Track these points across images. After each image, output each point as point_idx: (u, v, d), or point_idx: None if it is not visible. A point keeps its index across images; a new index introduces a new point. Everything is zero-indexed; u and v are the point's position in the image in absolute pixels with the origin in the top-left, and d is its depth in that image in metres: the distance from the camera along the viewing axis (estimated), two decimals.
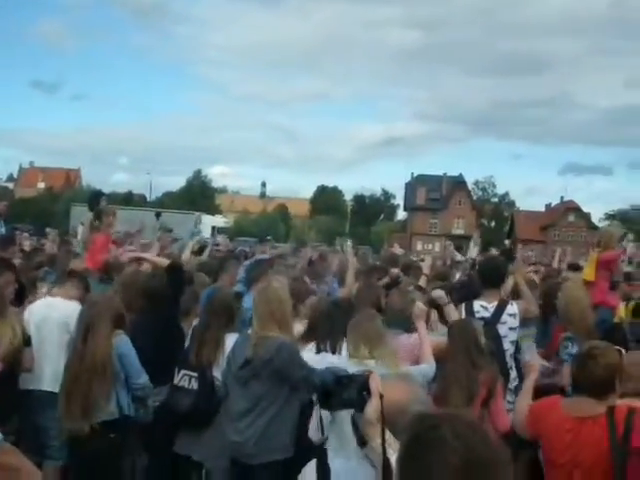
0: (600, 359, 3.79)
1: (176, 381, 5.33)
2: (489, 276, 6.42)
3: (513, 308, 6.11)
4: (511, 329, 6.05)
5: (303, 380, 4.62)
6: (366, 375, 2.34)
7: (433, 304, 6.25)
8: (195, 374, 5.26)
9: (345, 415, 2.54)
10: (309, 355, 5.08)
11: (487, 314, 6.06)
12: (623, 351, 4.46)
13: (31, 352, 5.53)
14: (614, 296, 7.97)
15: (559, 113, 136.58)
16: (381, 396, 2.29)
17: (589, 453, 3.64)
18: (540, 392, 4.47)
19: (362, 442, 2.32)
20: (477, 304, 6.16)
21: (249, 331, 4.99)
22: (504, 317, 6.06)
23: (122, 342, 5.22)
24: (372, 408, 2.27)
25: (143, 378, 5.25)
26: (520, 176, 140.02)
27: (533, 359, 4.97)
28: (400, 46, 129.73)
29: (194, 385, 5.25)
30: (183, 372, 5.32)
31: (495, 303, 6.13)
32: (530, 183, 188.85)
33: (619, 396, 3.83)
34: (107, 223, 8.66)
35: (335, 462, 2.43)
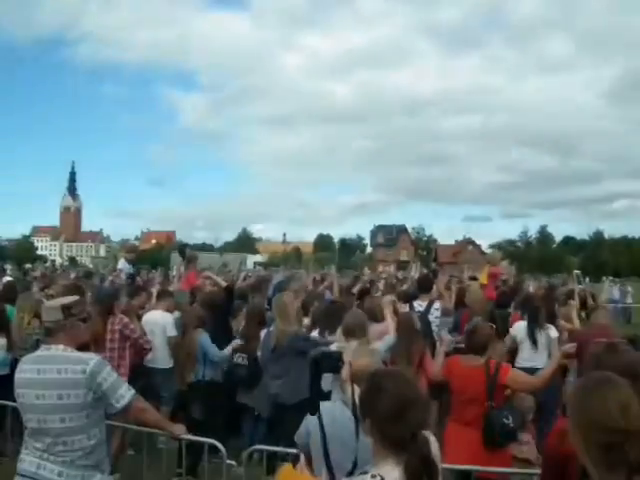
0: (480, 331, 3.86)
1: (234, 360, 5.33)
2: (423, 285, 6.45)
3: (437, 305, 6.13)
4: (436, 318, 6.05)
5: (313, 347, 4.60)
6: (341, 351, 2.36)
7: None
8: (245, 355, 5.29)
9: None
10: (314, 336, 5.05)
11: (421, 309, 6.03)
12: (494, 326, 4.55)
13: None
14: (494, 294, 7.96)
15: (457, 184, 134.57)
16: (350, 364, 2.28)
17: (474, 387, 3.67)
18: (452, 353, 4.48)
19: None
20: (416, 303, 6.15)
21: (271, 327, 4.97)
22: (432, 311, 6.04)
23: (203, 336, 5.31)
24: (344, 372, 2.26)
25: (218, 354, 5.26)
26: (439, 224, 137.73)
27: (445, 335, 4.97)
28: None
29: (245, 362, 5.28)
30: (238, 354, 5.32)
31: (426, 302, 6.11)
32: (445, 228, 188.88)
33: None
34: (193, 263, 8.77)
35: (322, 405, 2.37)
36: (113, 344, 5.00)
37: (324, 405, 2.29)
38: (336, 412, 2.41)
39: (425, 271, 10.70)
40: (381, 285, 8.24)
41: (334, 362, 2.27)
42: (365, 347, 4.09)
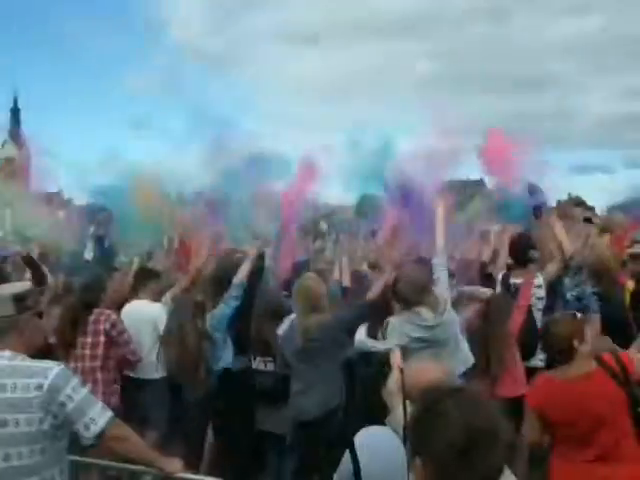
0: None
1: (254, 366, 5.30)
2: (519, 255, 6.09)
3: (540, 280, 5.79)
4: (539, 299, 5.76)
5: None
6: (387, 351, 2.33)
7: None
8: (270, 358, 5.24)
9: None
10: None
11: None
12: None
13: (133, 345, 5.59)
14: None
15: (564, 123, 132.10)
16: (402, 370, 2.22)
17: (597, 404, 3.47)
18: None
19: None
20: (511, 280, 5.96)
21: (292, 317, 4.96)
22: (534, 291, 5.78)
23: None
24: (392, 380, 2.22)
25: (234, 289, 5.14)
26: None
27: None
28: None
29: (270, 367, 5.23)
30: (259, 358, 5.29)
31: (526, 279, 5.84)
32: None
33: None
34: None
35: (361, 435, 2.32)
36: (95, 350, 5.01)
37: (363, 434, 2.25)
38: (379, 442, 2.30)
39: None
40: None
41: (376, 367, 2.24)
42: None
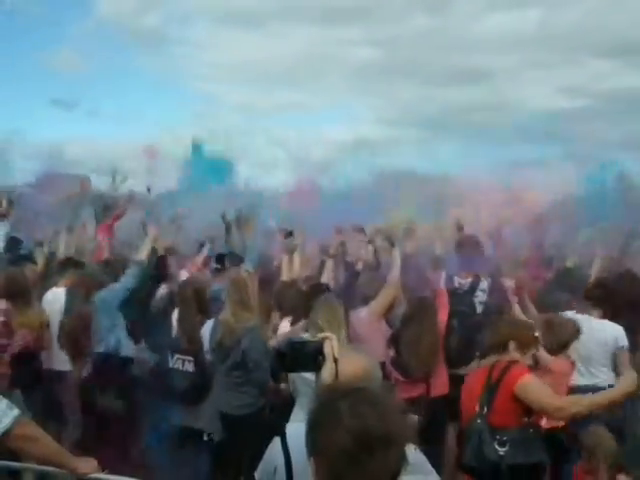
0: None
1: (172, 364, 5.32)
2: (466, 252, 6.31)
3: (485, 283, 6.10)
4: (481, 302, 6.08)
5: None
6: (321, 340, 2.26)
7: None
8: (189, 357, 5.27)
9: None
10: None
11: (463, 287, 6.12)
12: None
13: (49, 334, 5.66)
14: None
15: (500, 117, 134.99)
16: (336, 360, 2.20)
17: (468, 394, 3.95)
18: None
19: None
20: (456, 278, 6.19)
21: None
22: (477, 292, 6.09)
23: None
24: (327, 371, 2.18)
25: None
26: (469, 170, 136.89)
27: None
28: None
29: (188, 367, 5.27)
30: (177, 356, 5.31)
31: (470, 278, 6.13)
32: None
33: None
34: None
35: (291, 426, 2.32)
36: None
37: (293, 426, 2.25)
38: None
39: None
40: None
41: (310, 356, 2.22)
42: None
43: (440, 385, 5.31)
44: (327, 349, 2.22)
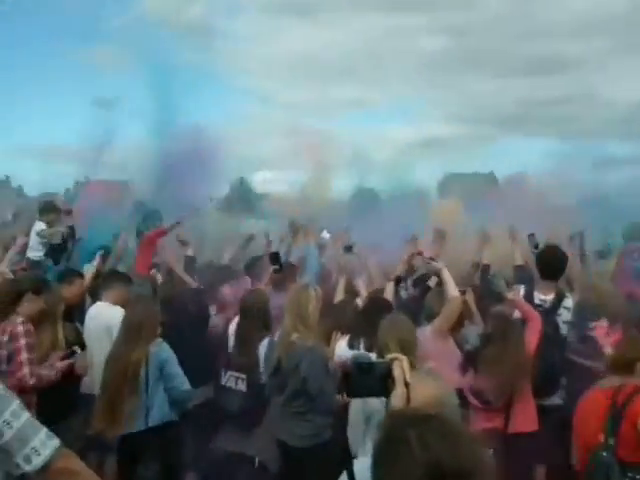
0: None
1: (223, 381, 5.34)
2: (548, 267, 6.11)
3: (569, 301, 5.93)
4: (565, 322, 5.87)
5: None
6: (389, 362, 2.22)
7: None
8: (243, 375, 5.28)
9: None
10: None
11: (545, 304, 5.90)
12: None
13: (84, 356, 5.58)
14: None
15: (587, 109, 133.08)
16: (407, 384, 2.16)
17: (590, 420, 3.74)
18: None
19: None
20: (536, 294, 6.00)
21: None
22: (561, 310, 5.90)
23: (164, 350, 5.15)
24: (397, 396, 2.15)
25: (186, 387, 5.15)
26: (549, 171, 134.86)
27: None
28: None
29: (241, 386, 5.27)
30: (229, 373, 5.32)
31: (552, 295, 5.94)
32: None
33: None
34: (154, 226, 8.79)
35: (359, 462, 2.29)
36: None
37: (361, 461, 2.25)
38: None
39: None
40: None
41: (378, 379, 2.19)
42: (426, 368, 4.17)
43: (526, 420, 5.00)
44: (397, 372, 2.18)
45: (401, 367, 2.20)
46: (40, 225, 8.93)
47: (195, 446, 5.40)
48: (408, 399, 2.16)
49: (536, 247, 7.27)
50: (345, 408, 4.78)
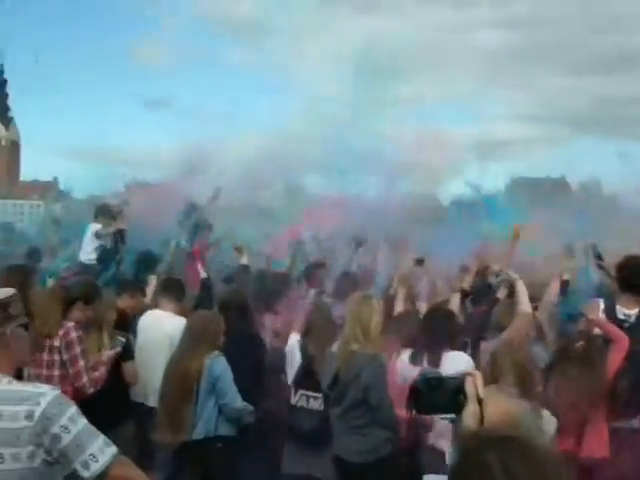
0: None
1: (293, 401, 5.38)
2: (629, 279, 5.86)
3: None
4: None
5: None
6: (462, 377, 2.19)
7: None
8: (317, 394, 5.31)
9: None
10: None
11: (629, 319, 5.67)
12: None
13: (133, 365, 5.72)
14: None
15: None
16: (480, 401, 2.13)
17: None
18: None
19: None
20: (618, 308, 5.76)
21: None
22: None
23: (220, 363, 5.23)
24: (469, 414, 2.11)
25: (239, 403, 5.23)
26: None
27: None
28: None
29: (314, 405, 5.32)
30: (301, 392, 5.36)
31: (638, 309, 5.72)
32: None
33: None
34: (203, 233, 8.97)
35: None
36: (51, 370, 5.08)
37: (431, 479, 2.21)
38: None
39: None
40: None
41: (450, 396, 2.16)
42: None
43: (600, 445, 4.89)
44: (470, 388, 2.14)
45: (474, 383, 2.17)
46: (95, 228, 9.15)
47: (255, 467, 5.43)
48: (481, 417, 2.13)
49: (599, 257, 7.12)
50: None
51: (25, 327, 2.79)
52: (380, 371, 4.85)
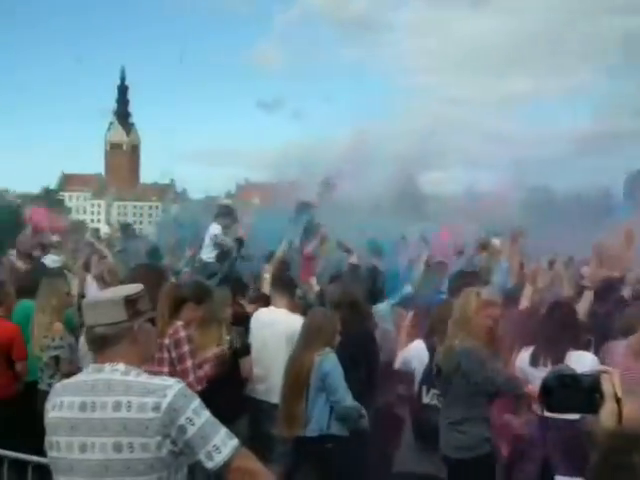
0: None
1: (426, 400, 5.32)
2: None
3: None
4: None
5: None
6: (597, 375, 2.07)
7: None
8: None
9: None
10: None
11: None
12: None
13: (249, 361, 5.84)
14: None
15: None
16: (618, 400, 2.01)
17: None
18: None
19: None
20: None
21: None
22: None
23: (330, 360, 5.24)
24: (607, 413, 1.99)
25: (350, 402, 5.19)
26: None
27: None
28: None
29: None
30: (433, 391, 5.28)
31: None
32: None
33: None
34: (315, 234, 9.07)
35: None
36: (161, 367, 5.15)
37: None
38: None
39: None
40: None
41: (584, 394, 2.04)
42: None
43: None
44: (606, 386, 2.02)
45: (611, 381, 2.05)
46: (216, 228, 9.39)
47: (370, 467, 5.42)
48: (620, 417, 2.01)
49: None
50: None
51: (152, 322, 2.87)
52: (478, 359, 4.73)
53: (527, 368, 5.14)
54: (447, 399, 4.93)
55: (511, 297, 6.36)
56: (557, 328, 5.09)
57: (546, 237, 8.11)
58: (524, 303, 6.21)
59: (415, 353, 5.59)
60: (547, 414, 4.18)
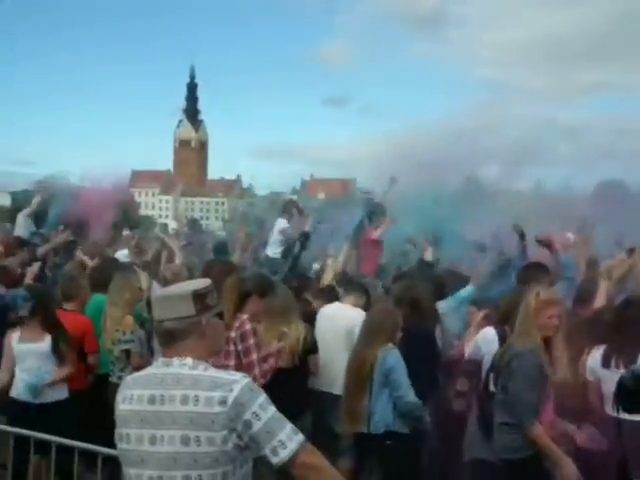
0: None
1: (492, 388, 5.10)
2: None
3: None
4: None
5: None
6: None
7: None
8: None
9: None
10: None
11: None
12: None
13: (317, 358, 5.89)
14: None
15: None
16: None
17: None
18: None
19: None
20: None
21: None
22: None
23: (393, 355, 5.24)
24: None
25: (412, 398, 5.19)
26: None
27: None
28: None
29: None
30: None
31: None
32: None
33: None
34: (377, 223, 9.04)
35: None
36: (228, 361, 5.25)
37: None
38: None
39: None
40: None
41: None
42: None
43: None
44: None
45: None
46: (282, 223, 9.45)
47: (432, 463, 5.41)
48: None
49: None
50: None
51: (220, 316, 2.89)
52: (531, 362, 4.56)
53: (599, 369, 5.00)
54: (498, 397, 4.81)
55: (585, 294, 6.17)
56: (629, 327, 4.92)
57: (619, 232, 7.88)
58: (600, 300, 5.96)
59: (484, 339, 5.51)
60: (623, 415, 4.04)
